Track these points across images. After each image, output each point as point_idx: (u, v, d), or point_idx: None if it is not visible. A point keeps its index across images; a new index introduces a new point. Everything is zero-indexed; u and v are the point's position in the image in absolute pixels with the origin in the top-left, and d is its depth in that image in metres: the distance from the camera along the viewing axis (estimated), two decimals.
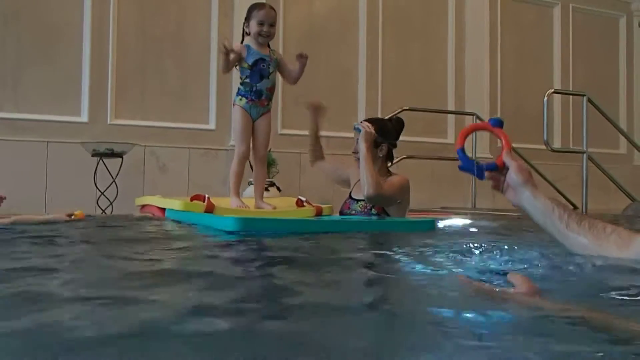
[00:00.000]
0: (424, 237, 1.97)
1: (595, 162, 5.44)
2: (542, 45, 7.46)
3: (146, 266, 1.38)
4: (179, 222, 2.37)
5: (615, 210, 5.70)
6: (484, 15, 7.01)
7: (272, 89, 2.85)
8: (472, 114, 5.97)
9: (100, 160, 4.89)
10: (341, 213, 3.12)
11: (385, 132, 3.04)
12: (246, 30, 2.82)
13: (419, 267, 1.49)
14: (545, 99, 5.24)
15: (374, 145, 3.02)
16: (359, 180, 3.15)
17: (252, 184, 4.92)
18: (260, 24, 2.74)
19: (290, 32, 6.00)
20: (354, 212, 3.03)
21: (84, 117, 5.26)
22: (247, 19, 2.82)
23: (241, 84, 2.81)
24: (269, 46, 2.87)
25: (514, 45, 7.24)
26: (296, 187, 5.43)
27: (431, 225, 2.23)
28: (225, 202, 2.83)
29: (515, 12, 7.25)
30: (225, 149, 5.61)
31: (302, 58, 2.85)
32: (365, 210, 3.00)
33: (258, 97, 2.78)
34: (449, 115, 6.74)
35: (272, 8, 2.84)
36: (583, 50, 7.61)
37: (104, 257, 1.50)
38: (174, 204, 2.53)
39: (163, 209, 2.71)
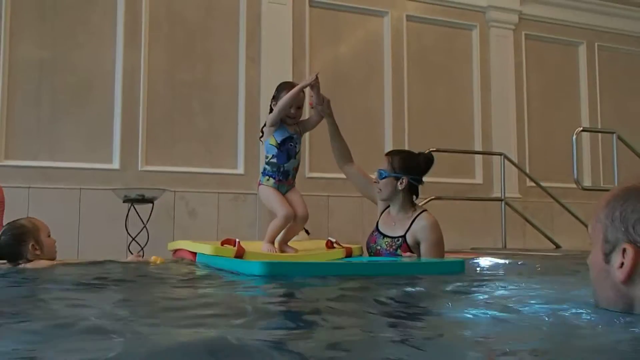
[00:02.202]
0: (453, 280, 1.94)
1: None
2: (569, 83, 7.44)
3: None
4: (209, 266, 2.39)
5: None
6: (508, 55, 7.04)
7: (297, 168, 2.80)
8: (499, 154, 5.95)
9: (132, 206, 4.97)
10: (367, 246, 3.08)
11: (407, 166, 3.01)
12: (273, 107, 2.77)
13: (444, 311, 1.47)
14: (574, 137, 5.21)
15: (395, 178, 3.00)
16: (385, 209, 3.14)
17: None
18: (289, 107, 2.70)
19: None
20: (379, 247, 3.00)
21: (115, 164, 5.37)
22: (275, 97, 2.77)
23: (267, 163, 2.74)
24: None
25: (540, 84, 7.23)
26: (324, 229, 5.44)
27: (461, 267, 2.21)
28: (255, 246, 2.85)
29: (541, 52, 7.26)
30: (254, 193, 5.65)
31: (315, 107, 2.83)
32: (391, 249, 2.96)
33: (285, 178, 2.73)
34: (477, 155, 6.72)
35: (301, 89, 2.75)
36: (610, 87, 7.57)
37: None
38: (205, 248, 2.56)
39: (194, 253, 2.73)
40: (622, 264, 1.19)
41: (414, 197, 3.09)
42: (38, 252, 2.64)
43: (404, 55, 6.52)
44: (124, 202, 4.94)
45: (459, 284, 1.92)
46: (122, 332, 1.06)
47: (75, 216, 5.14)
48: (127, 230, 4.94)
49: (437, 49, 6.74)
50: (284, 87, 2.78)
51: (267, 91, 5.87)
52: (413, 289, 1.83)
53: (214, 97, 5.75)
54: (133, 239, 4.95)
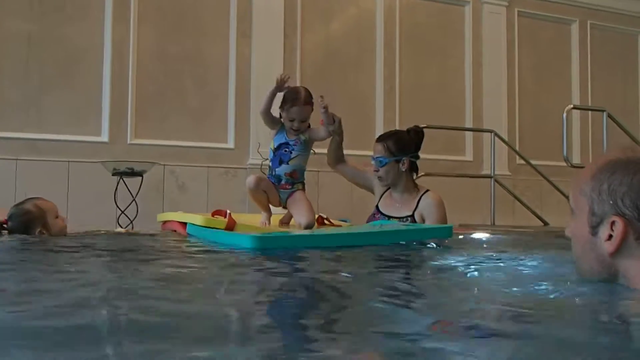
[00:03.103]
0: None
1: None
2: (560, 61, 7.44)
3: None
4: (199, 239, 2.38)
5: None
6: (501, 32, 7.02)
7: (293, 174, 2.75)
8: (490, 131, 5.95)
9: (121, 180, 4.94)
10: None
11: (403, 146, 3.01)
12: (281, 113, 2.74)
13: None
14: (565, 115, 5.21)
15: (395, 161, 3.00)
16: (386, 191, 3.14)
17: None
18: (292, 120, 2.67)
19: (308, 56, 6.06)
20: None
21: (104, 137, 5.33)
22: (282, 106, 2.72)
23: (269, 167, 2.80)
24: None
25: (532, 62, 7.22)
26: (314, 206, 5.43)
27: (449, 232, 2.23)
28: (246, 219, 2.84)
29: (533, 29, 7.24)
30: (244, 168, 5.64)
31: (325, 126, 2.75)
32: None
33: (277, 182, 2.74)
34: (467, 133, 6.73)
35: (306, 102, 2.68)
36: (602, 66, 7.58)
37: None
38: (196, 219, 2.55)
39: (182, 225, 2.72)
40: (610, 236, 1.21)
41: (414, 174, 3.09)
42: (46, 235, 2.59)
43: (396, 31, 6.48)
44: (113, 175, 4.91)
45: (445, 251, 1.95)
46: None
47: (64, 189, 5.11)
48: (116, 203, 4.91)
49: (429, 26, 6.70)
50: (289, 99, 2.70)
51: (258, 66, 5.83)
52: (404, 256, 1.85)
53: (205, 71, 5.70)
54: (122, 212, 4.93)
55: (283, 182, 2.73)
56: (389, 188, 3.11)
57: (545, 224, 5.81)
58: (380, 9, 6.41)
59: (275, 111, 2.82)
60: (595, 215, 1.24)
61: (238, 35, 5.78)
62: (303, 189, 2.79)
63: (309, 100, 2.70)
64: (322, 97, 2.68)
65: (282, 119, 2.76)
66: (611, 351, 0.80)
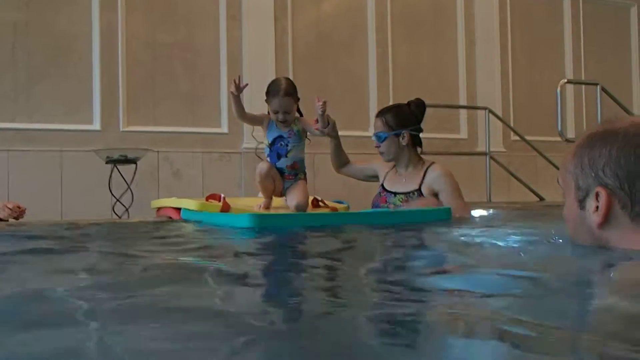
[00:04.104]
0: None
1: None
2: (553, 37, 7.40)
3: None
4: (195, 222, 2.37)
5: None
6: (493, 10, 6.97)
7: (294, 165, 2.72)
8: (484, 108, 5.93)
9: (115, 167, 4.91)
10: (376, 207, 3.00)
11: (403, 119, 2.95)
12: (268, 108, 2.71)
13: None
14: (559, 89, 5.20)
15: (395, 135, 2.95)
16: (390, 170, 3.11)
17: None
18: (275, 112, 2.64)
19: (299, 39, 6.01)
20: (392, 205, 2.92)
21: (96, 125, 5.29)
22: (266, 99, 2.69)
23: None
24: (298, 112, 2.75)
25: (525, 38, 7.19)
26: (310, 188, 5.42)
27: (447, 214, 2.21)
28: (240, 202, 2.83)
29: (525, 6, 7.20)
30: (239, 152, 5.62)
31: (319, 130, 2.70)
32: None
33: (281, 174, 2.71)
34: (462, 110, 6.71)
35: (286, 94, 2.62)
36: (594, 41, 7.55)
37: None
38: (190, 204, 2.53)
39: (177, 211, 2.71)
40: (597, 207, 1.25)
41: (419, 149, 3.05)
42: None
43: (387, 11, 6.42)
44: (106, 163, 4.88)
45: (444, 228, 1.95)
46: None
47: (58, 179, 5.08)
48: (110, 191, 4.89)
49: (421, 5, 6.65)
50: (270, 91, 2.66)
51: (249, 49, 5.78)
52: (404, 236, 1.84)
53: (195, 56, 5.65)
54: (117, 200, 4.91)
55: (286, 174, 2.71)
56: (394, 166, 3.07)
57: (541, 199, 5.82)
58: None
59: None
60: (581, 190, 1.28)
61: (228, 19, 5.72)
62: (305, 178, 2.77)
63: (290, 91, 2.65)
64: (318, 98, 2.65)
65: (268, 114, 2.73)
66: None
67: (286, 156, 2.69)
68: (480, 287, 0.95)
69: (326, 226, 2.02)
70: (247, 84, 2.68)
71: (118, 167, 4.91)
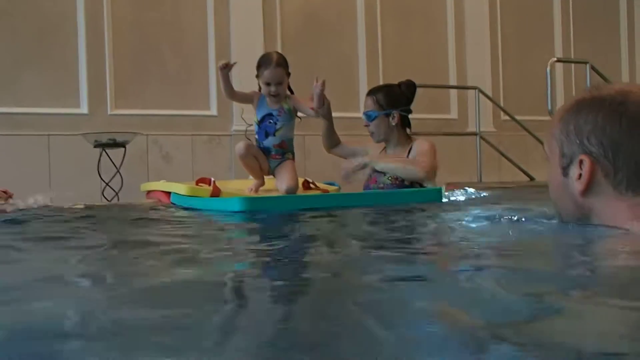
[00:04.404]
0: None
1: None
2: (543, 16, 7.37)
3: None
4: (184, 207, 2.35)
5: None
6: None
7: (282, 144, 2.66)
8: (474, 88, 5.92)
9: (103, 151, 4.87)
10: (367, 189, 2.98)
11: (393, 99, 2.95)
12: (259, 83, 2.65)
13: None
14: (548, 68, 5.19)
15: (385, 115, 2.94)
16: (381, 151, 3.09)
17: None
18: (267, 84, 2.58)
19: (288, 20, 5.94)
20: (382, 185, 2.90)
21: (83, 109, 5.23)
22: (257, 73, 2.63)
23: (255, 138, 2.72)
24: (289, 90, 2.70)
25: (514, 18, 7.15)
26: (301, 170, 5.40)
27: (439, 194, 2.21)
28: (230, 185, 2.81)
29: None
30: (229, 134, 5.58)
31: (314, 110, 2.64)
32: (397, 181, 2.87)
33: (267, 154, 2.66)
34: (452, 90, 6.69)
35: (278, 64, 2.58)
36: (584, 20, 7.52)
37: None
38: (180, 188, 2.51)
39: (167, 195, 2.68)
40: (580, 175, 1.24)
41: (408, 130, 3.05)
42: None
43: None
44: (94, 147, 4.83)
45: (435, 207, 1.95)
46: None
47: (45, 164, 5.03)
48: (100, 175, 4.85)
49: None
50: (261, 63, 2.60)
51: (237, 30, 5.72)
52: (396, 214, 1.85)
53: (183, 37, 5.59)
54: (107, 184, 4.87)
55: (273, 153, 2.66)
56: (384, 148, 3.06)
57: (532, 178, 5.83)
58: None
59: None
60: (565, 157, 1.27)
61: (215, 0, 5.65)
62: (293, 158, 2.73)
63: (281, 63, 2.61)
64: (317, 78, 2.59)
65: (260, 90, 2.69)
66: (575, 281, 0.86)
67: (274, 135, 2.64)
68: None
69: (318, 208, 2.01)
70: (235, 62, 2.64)
71: (107, 151, 4.87)
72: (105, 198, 4.87)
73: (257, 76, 2.63)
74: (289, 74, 2.64)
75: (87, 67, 5.21)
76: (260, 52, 5.67)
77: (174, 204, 2.50)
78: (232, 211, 1.95)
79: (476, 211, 1.77)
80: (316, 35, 6.06)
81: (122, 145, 4.87)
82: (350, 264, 1.09)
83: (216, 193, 2.36)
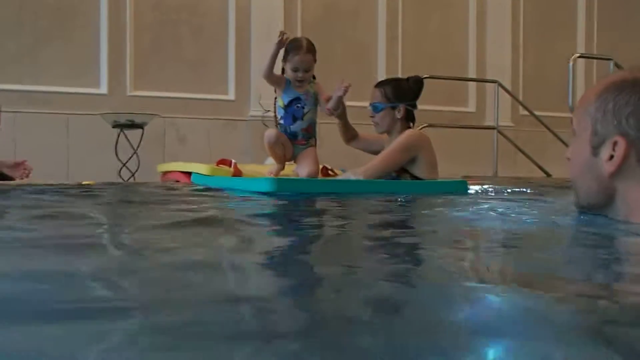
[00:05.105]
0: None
1: None
2: (566, 11, 7.28)
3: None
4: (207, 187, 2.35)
5: None
6: None
7: (309, 128, 2.69)
8: (494, 81, 5.86)
9: (121, 132, 4.89)
10: None
11: (400, 93, 2.97)
12: (284, 67, 2.66)
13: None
14: (571, 63, 5.13)
15: (391, 107, 2.96)
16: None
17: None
18: (295, 70, 2.59)
19: (308, 6, 5.92)
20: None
21: (103, 89, 5.26)
22: (285, 57, 2.63)
23: (277, 123, 2.71)
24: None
25: (537, 11, 7.08)
26: None
27: (464, 186, 2.21)
28: (250, 168, 2.82)
29: None
30: (245, 120, 5.59)
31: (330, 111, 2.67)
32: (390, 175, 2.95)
33: (294, 138, 2.67)
34: (470, 83, 6.64)
35: (308, 51, 2.59)
36: (608, 15, 7.43)
37: None
38: (201, 168, 2.52)
39: (187, 175, 2.70)
40: (612, 156, 1.20)
41: (411, 124, 3.06)
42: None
43: None
44: (113, 127, 4.86)
45: (456, 199, 1.95)
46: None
47: (64, 142, 5.07)
48: (117, 156, 4.88)
49: None
50: (291, 49, 2.60)
51: (258, 16, 5.70)
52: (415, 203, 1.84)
53: (203, 21, 5.59)
54: (124, 164, 4.90)
55: (299, 137, 2.68)
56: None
57: (548, 175, 5.79)
58: None
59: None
60: (598, 135, 1.23)
61: None
62: (315, 144, 2.75)
63: (311, 49, 2.63)
64: (343, 80, 2.61)
65: (284, 74, 2.69)
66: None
67: (302, 119, 2.66)
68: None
69: (343, 193, 2.01)
70: (288, 37, 2.62)
71: (125, 131, 4.89)
72: (122, 178, 4.90)
73: (284, 60, 2.62)
74: (315, 61, 2.65)
75: (108, 47, 5.23)
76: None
77: (194, 183, 2.51)
78: (261, 192, 1.95)
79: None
80: (336, 22, 6.04)
81: (140, 126, 4.89)
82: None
83: (237, 174, 2.37)
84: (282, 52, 2.67)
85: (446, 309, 0.60)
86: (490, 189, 2.57)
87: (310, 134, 2.69)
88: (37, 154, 4.69)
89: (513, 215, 1.50)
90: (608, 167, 1.21)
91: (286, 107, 2.65)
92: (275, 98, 2.70)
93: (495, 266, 0.87)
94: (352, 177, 2.68)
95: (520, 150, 5.87)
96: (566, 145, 5.73)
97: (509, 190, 2.50)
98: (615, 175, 1.21)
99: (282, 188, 1.94)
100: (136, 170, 4.87)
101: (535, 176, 5.76)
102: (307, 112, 2.65)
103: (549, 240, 1.15)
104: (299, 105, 2.63)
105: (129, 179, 4.87)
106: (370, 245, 1.12)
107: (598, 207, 1.29)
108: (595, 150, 1.23)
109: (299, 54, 2.58)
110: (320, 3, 6.01)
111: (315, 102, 2.67)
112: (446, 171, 5.23)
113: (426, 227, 1.40)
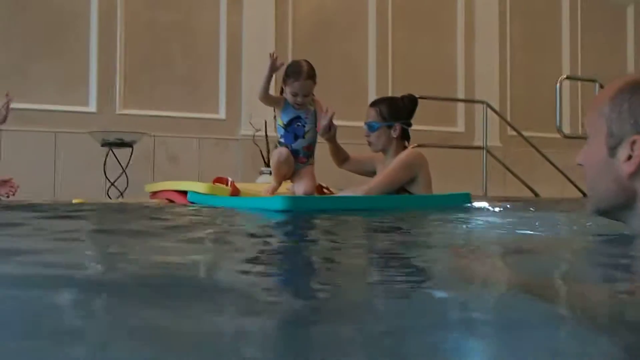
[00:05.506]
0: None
1: None
2: (551, 32, 7.40)
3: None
4: (207, 206, 2.32)
5: None
6: (492, 3, 6.96)
7: (310, 147, 2.70)
8: (482, 102, 5.91)
9: (110, 150, 4.84)
10: None
11: (396, 112, 2.97)
12: (283, 87, 2.66)
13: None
14: (558, 85, 5.19)
15: (387, 127, 2.97)
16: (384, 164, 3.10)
17: (264, 173, 4.88)
18: (295, 95, 2.60)
19: (299, 25, 5.95)
20: None
21: (92, 107, 5.21)
22: (285, 80, 2.64)
23: (278, 141, 2.72)
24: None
25: (523, 32, 7.18)
26: None
27: (467, 198, 2.21)
28: (246, 187, 2.79)
29: (525, 0, 7.19)
30: (236, 139, 5.56)
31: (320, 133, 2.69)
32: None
33: (295, 156, 2.68)
34: (459, 103, 6.69)
35: (309, 77, 2.60)
36: (591, 37, 7.56)
37: None
38: (198, 186, 2.48)
39: (182, 194, 2.66)
40: (630, 156, 1.19)
41: (407, 142, 3.06)
42: None
43: (388, 2, 6.38)
44: (102, 145, 4.80)
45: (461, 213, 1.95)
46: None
47: (51, 160, 5.00)
48: (105, 175, 4.82)
49: None
50: (292, 73, 2.61)
51: (250, 35, 5.71)
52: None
53: (195, 40, 5.58)
54: (112, 183, 4.83)
55: (301, 155, 2.68)
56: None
57: (536, 195, 5.82)
58: None
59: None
60: (614, 136, 1.21)
61: (228, 3, 5.65)
62: (313, 163, 2.74)
63: (311, 74, 2.63)
64: (327, 109, 2.64)
65: (283, 94, 2.68)
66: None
67: (303, 137, 2.65)
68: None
69: (354, 210, 2.01)
70: (283, 63, 2.62)
71: (114, 150, 4.84)
72: (109, 197, 4.83)
73: (284, 83, 2.61)
74: (315, 83, 2.65)
75: (98, 65, 5.19)
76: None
77: (192, 202, 2.48)
78: (273, 210, 1.93)
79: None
80: (327, 41, 6.06)
81: (130, 145, 4.84)
82: None
83: (235, 193, 2.34)
84: (281, 69, 2.67)
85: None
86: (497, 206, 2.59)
87: (311, 152, 2.69)
88: (24, 172, 4.61)
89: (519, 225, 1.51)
90: (627, 168, 1.20)
91: (287, 126, 2.64)
92: (275, 117, 2.69)
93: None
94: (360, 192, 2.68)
95: (509, 170, 5.90)
96: (554, 165, 5.80)
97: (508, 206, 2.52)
98: (634, 175, 1.19)
99: (296, 206, 1.92)
100: (125, 189, 4.80)
101: (524, 196, 5.79)
102: (308, 131, 2.64)
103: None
104: (299, 123, 2.62)
105: (117, 198, 4.80)
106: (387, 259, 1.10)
107: (617, 209, 1.26)
108: (612, 151, 1.22)
109: (300, 79, 2.58)
110: (311, 22, 6.04)
111: (315, 119, 2.67)
112: (436, 190, 5.26)
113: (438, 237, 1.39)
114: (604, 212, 1.30)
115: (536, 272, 0.85)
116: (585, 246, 1.19)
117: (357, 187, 2.76)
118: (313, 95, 2.69)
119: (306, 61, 2.69)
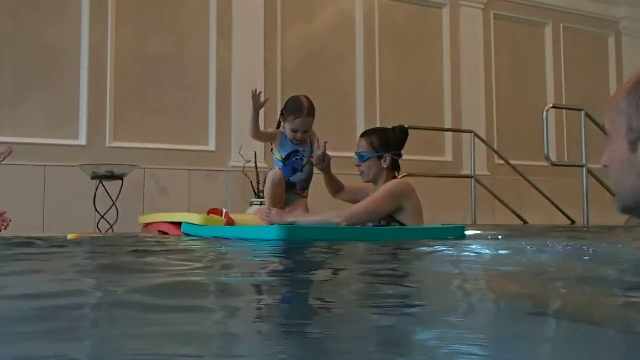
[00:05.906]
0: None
1: (595, 175, 5.44)
2: (535, 63, 7.55)
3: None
4: (201, 237, 2.32)
5: (618, 222, 5.71)
6: (477, 34, 7.10)
7: (307, 179, 2.75)
8: (469, 131, 5.98)
9: (100, 183, 4.83)
10: None
11: (386, 143, 2.99)
12: (281, 121, 2.69)
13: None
14: (545, 113, 5.27)
15: (377, 157, 2.99)
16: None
17: (254, 204, 4.89)
18: (294, 131, 2.63)
19: (288, 53, 6.02)
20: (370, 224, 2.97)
21: (82, 140, 5.20)
22: (284, 116, 2.67)
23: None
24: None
25: (508, 62, 7.32)
26: None
27: (461, 232, 2.22)
28: (240, 217, 2.80)
29: (508, 31, 7.34)
30: (226, 170, 5.58)
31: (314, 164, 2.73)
32: (376, 222, 2.94)
33: (291, 188, 2.71)
34: (447, 133, 6.77)
35: (309, 114, 2.63)
36: (575, 67, 7.72)
37: None
38: (193, 217, 2.49)
39: (175, 225, 2.66)
40: None
41: (397, 172, 3.08)
42: None
43: (375, 32, 6.49)
44: (92, 178, 4.79)
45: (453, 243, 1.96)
46: None
47: (40, 193, 4.97)
48: (95, 207, 4.80)
49: (408, 27, 6.73)
50: (293, 110, 2.63)
51: (238, 67, 5.77)
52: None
53: (184, 72, 5.62)
54: (102, 216, 4.81)
55: (297, 187, 2.70)
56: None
57: (525, 222, 5.87)
58: (359, 9, 6.42)
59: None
60: (634, 131, 1.20)
61: (218, 36, 5.71)
62: (307, 195, 2.76)
63: (311, 111, 2.65)
64: (325, 142, 2.68)
65: (281, 128, 2.71)
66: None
67: (301, 170, 2.68)
68: None
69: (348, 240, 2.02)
70: (267, 99, 2.65)
71: (103, 182, 4.83)
72: (99, 230, 4.81)
73: (284, 118, 2.63)
74: (314, 118, 2.68)
75: (88, 98, 5.20)
76: (260, 89, 5.76)
77: (186, 234, 2.48)
78: (269, 240, 1.94)
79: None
80: (315, 72, 6.13)
81: (120, 177, 4.83)
82: None
83: (230, 223, 2.35)
84: (267, 104, 2.70)
85: None
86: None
87: (306, 185, 2.71)
88: (11, 205, 4.58)
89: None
90: None
91: (284, 160, 2.66)
92: (272, 150, 2.71)
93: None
94: (332, 219, 2.62)
95: (497, 198, 5.95)
96: (541, 193, 5.86)
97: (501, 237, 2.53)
98: None
99: (292, 235, 1.93)
100: (115, 222, 4.78)
101: (512, 223, 5.83)
102: (306, 164, 2.67)
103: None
104: (297, 157, 2.65)
105: (107, 231, 4.78)
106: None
107: None
108: (634, 145, 1.20)
109: (301, 116, 2.60)
110: (299, 53, 6.12)
111: (311, 151, 2.69)
112: (425, 219, 5.28)
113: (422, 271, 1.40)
114: (630, 210, 1.28)
115: None
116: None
117: (334, 212, 2.75)
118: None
119: (305, 97, 2.72)
